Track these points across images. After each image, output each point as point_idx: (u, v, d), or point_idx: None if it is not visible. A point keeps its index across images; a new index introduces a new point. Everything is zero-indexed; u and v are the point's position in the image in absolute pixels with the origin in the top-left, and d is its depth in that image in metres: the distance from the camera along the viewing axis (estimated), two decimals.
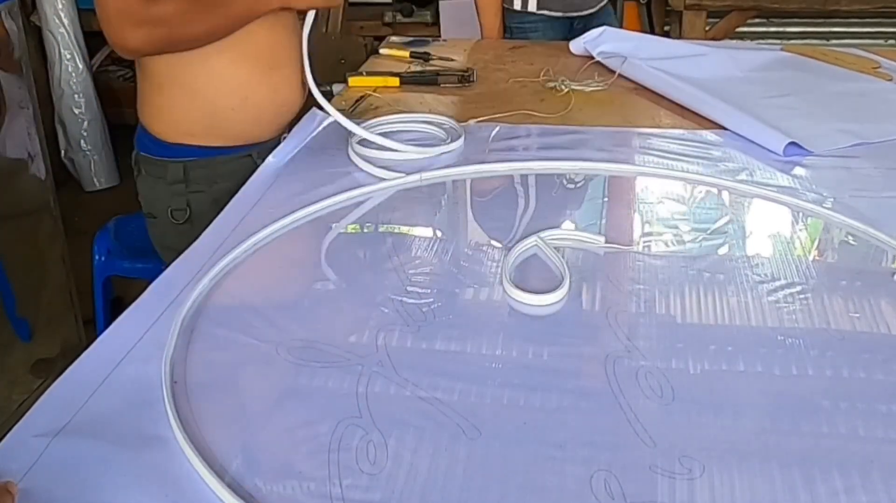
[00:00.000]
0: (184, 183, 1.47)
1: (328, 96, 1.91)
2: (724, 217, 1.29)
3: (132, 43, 1.34)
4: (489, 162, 1.42)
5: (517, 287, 1.05)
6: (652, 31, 3.23)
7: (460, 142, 1.47)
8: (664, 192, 1.36)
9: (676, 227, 1.24)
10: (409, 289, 1.06)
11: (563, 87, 1.77)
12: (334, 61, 3.08)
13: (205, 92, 1.43)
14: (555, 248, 1.14)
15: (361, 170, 1.38)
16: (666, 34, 3.23)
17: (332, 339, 0.97)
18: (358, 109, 1.68)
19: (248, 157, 1.50)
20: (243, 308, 1.06)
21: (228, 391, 0.91)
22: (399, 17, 3.29)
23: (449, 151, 1.44)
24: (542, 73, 1.86)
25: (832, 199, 1.28)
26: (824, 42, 3.30)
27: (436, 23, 3.10)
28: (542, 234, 1.16)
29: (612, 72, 1.82)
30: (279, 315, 1.03)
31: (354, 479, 0.77)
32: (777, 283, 1.08)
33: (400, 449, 0.81)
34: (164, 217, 1.50)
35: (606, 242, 1.18)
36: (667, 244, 1.19)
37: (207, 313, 1.02)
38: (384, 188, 1.34)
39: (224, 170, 1.47)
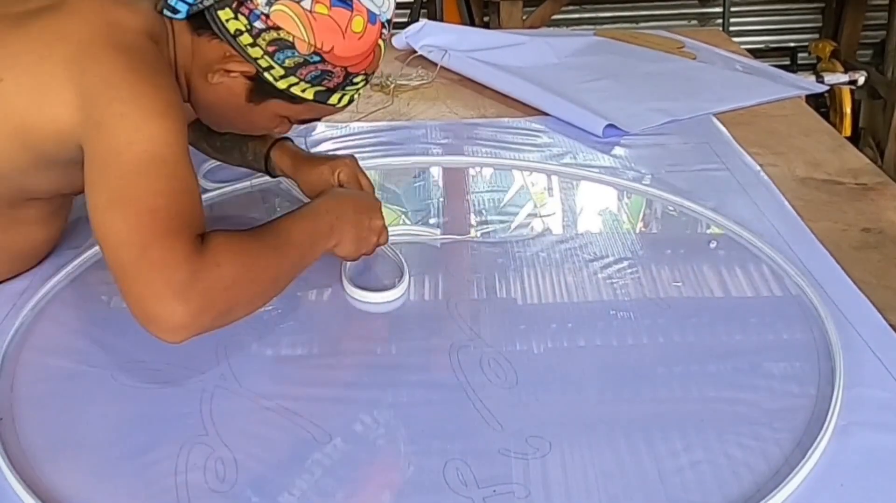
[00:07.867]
0: None
1: None
2: (553, 200, 1.33)
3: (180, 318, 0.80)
4: None
5: (357, 286, 1.05)
6: (472, 23, 3.28)
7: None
8: (494, 180, 1.39)
9: (508, 213, 1.27)
10: None
11: (388, 82, 1.77)
12: None
13: None
14: (393, 244, 1.14)
15: None
16: (485, 25, 3.30)
17: (169, 358, 0.93)
18: None
19: None
20: (70, 333, 1.00)
21: (61, 423, 0.85)
22: None
23: None
24: None
25: (650, 176, 1.34)
26: (633, 25, 3.46)
27: None
28: None
29: (435, 65, 1.84)
30: (110, 338, 0.98)
31: (205, 499, 0.74)
32: (607, 260, 1.12)
33: (249, 462, 0.79)
34: None
35: (443, 234, 1.20)
36: (501, 230, 1.21)
37: (31, 343, 0.96)
38: (214, 196, 1.30)
39: None
